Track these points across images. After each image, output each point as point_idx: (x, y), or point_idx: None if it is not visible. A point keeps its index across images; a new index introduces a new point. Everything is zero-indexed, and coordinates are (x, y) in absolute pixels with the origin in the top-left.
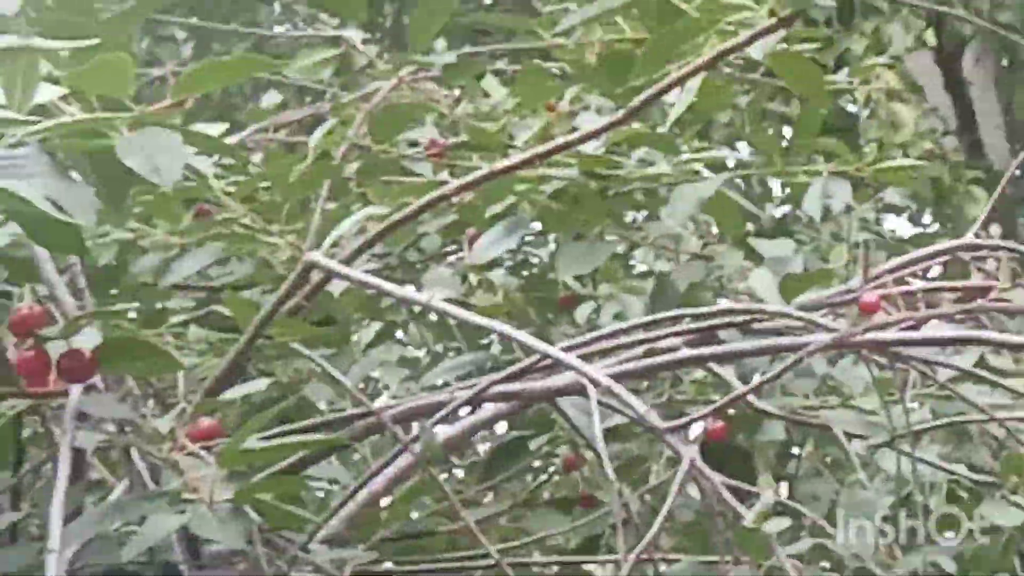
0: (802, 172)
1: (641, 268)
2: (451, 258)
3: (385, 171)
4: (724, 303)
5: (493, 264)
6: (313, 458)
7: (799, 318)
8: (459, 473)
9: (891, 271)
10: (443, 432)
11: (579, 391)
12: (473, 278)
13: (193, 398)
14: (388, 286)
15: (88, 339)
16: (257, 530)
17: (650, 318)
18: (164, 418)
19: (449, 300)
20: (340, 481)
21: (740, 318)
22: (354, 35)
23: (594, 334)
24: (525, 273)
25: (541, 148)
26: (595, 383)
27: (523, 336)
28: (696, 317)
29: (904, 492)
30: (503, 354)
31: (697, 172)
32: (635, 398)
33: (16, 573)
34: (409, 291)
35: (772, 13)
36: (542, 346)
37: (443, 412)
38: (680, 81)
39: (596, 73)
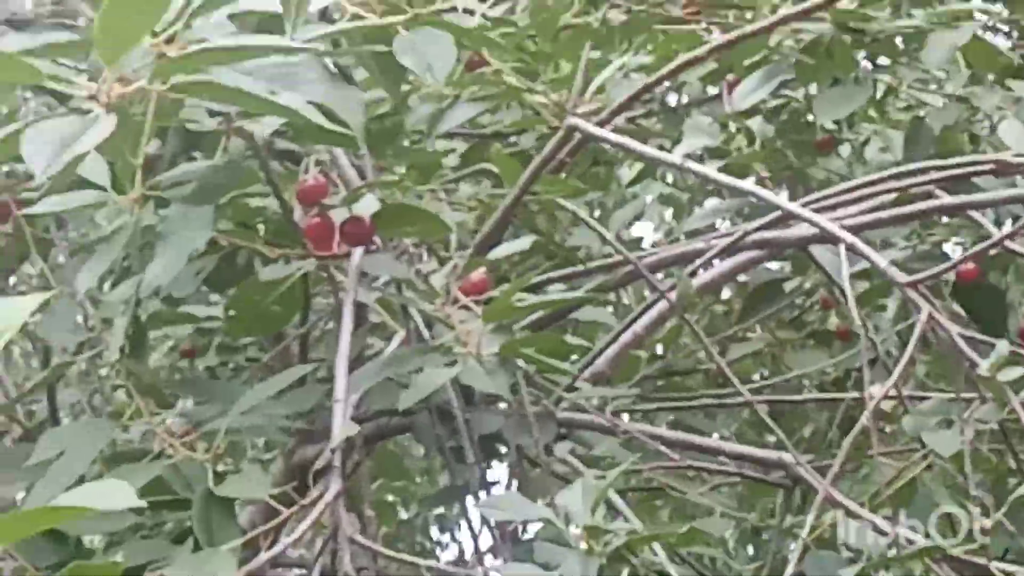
0: None
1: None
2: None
3: (650, 22)
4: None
5: (752, 111)
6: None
7: None
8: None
9: None
10: (700, 277)
11: (831, 239)
12: (732, 126)
13: (464, 254)
14: (642, 148)
15: (367, 206)
16: (523, 377)
17: (897, 169)
18: (437, 273)
19: (708, 149)
20: (605, 323)
21: (986, 167)
22: None
23: (843, 185)
24: (783, 118)
25: (796, 8)
26: (834, 240)
27: (767, 194)
28: (941, 168)
29: None
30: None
31: (952, 22)
32: (875, 253)
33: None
34: (662, 153)
35: None
36: (785, 203)
37: (699, 262)
38: None
39: None
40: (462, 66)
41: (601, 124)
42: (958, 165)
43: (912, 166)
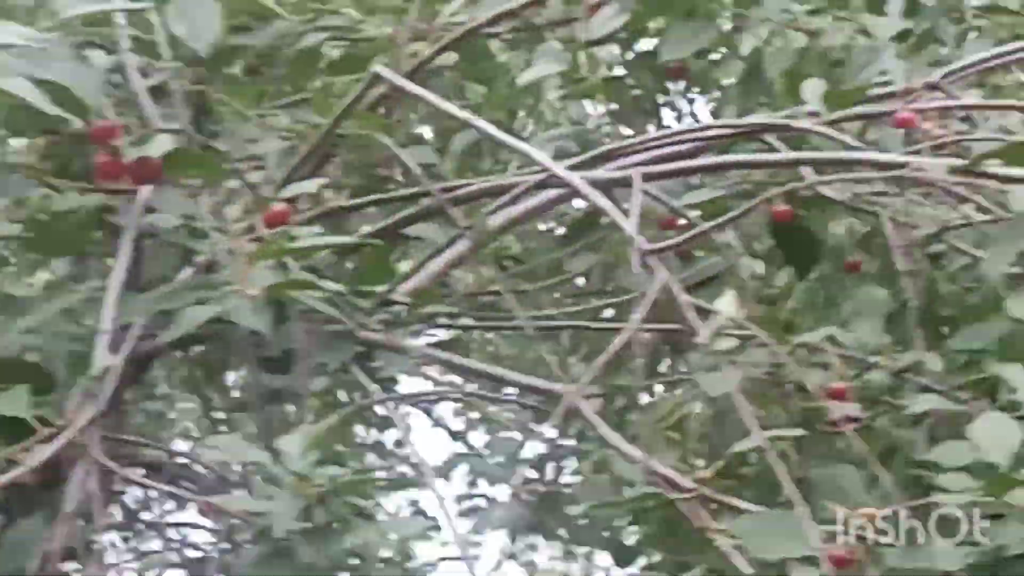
0: None
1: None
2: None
3: None
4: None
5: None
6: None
7: (820, 134)
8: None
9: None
10: (508, 212)
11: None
12: (583, 56)
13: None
14: (439, 102)
15: (158, 147)
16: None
17: (703, 125)
18: (233, 206)
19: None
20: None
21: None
22: None
23: (654, 135)
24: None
25: None
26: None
27: (532, 151)
28: (737, 128)
29: None
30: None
31: None
32: (624, 219)
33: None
34: (455, 108)
35: None
36: (547, 163)
37: (504, 199)
38: None
39: None
40: None
41: (417, 68)
42: (750, 127)
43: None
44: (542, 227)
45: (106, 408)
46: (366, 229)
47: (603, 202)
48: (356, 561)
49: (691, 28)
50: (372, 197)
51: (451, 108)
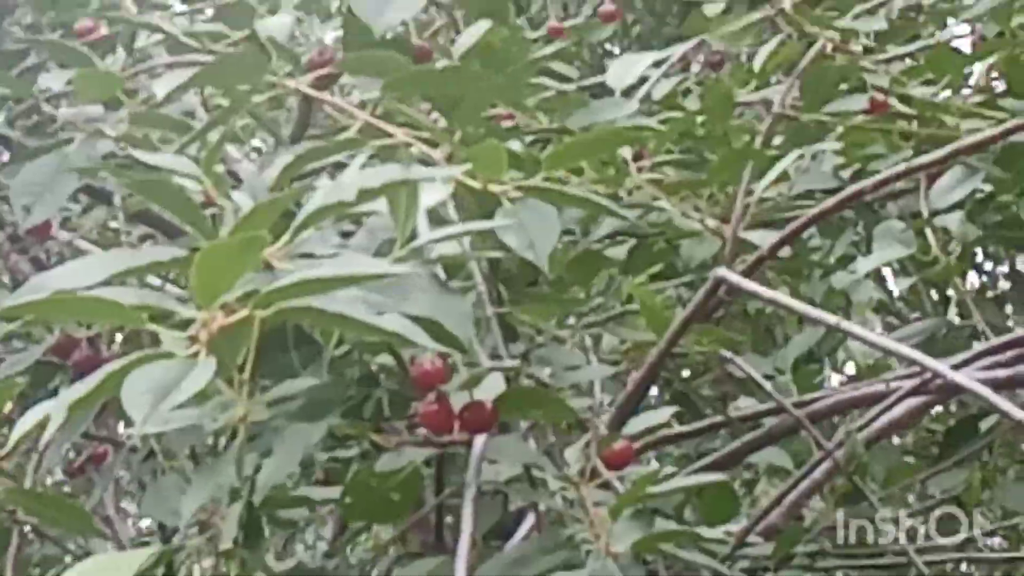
0: None
1: None
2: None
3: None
4: None
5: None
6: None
7: None
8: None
9: None
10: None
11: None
12: (930, 235)
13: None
14: (797, 306)
15: (490, 388)
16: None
17: None
18: (571, 447)
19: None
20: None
21: None
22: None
23: None
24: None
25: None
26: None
27: (925, 358)
28: None
29: None
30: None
31: None
32: None
33: None
34: (819, 312)
35: None
36: (941, 368)
37: (876, 410)
38: None
39: None
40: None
41: (753, 268)
42: None
43: None
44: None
45: None
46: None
47: (1006, 406)
48: None
49: None
50: (714, 419)
51: (814, 312)
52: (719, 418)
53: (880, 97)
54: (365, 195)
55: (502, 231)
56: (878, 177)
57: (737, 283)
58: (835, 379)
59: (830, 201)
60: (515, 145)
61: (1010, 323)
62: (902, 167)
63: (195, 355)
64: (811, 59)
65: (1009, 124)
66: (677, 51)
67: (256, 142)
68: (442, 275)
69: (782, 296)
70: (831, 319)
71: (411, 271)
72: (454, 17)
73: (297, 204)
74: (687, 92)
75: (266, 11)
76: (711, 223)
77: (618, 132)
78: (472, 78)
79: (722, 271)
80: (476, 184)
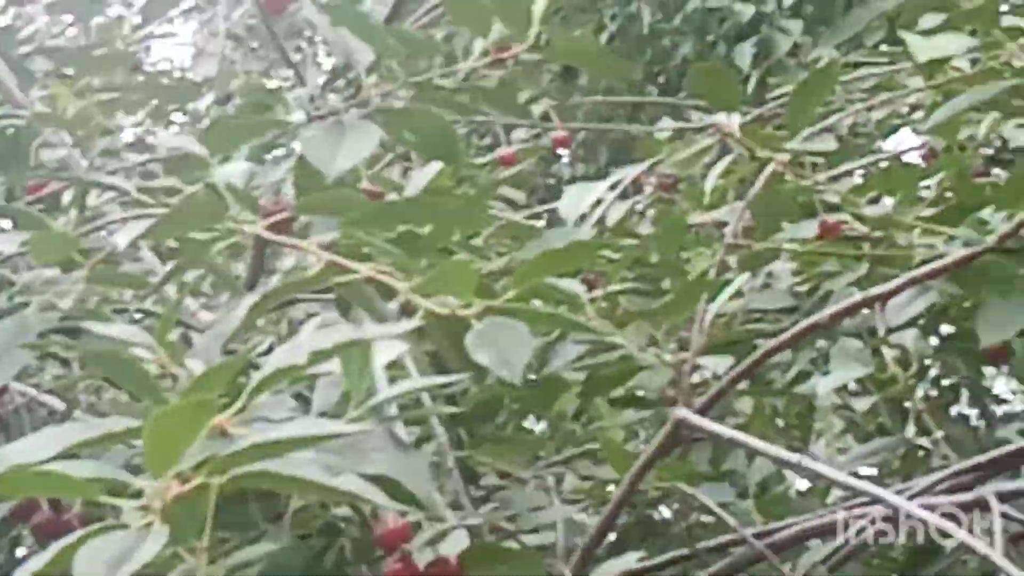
0: None
1: None
2: None
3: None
4: None
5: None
6: None
7: None
8: None
9: None
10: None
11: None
12: (887, 353)
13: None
14: (757, 444)
15: (455, 544)
16: None
17: None
18: None
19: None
20: None
21: None
22: (731, 121)
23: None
24: (944, 330)
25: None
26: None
27: (881, 491)
28: None
29: None
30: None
31: None
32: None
33: None
34: (778, 450)
35: None
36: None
37: (840, 540)
38: None
39: None
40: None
41: (711, 403)
42: None
43: None
44: None
45: None
46: None
47: (962, 534)
48: None
49: (1012, 305)
50: (674, 553)
51: (773, 450)
52: (685, 551)
53: (831, 220)
54: (317, 357)
55: (474, 352)
56: (833, 309)
57: (697, 424)
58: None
59: (785, 335)
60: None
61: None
62: (857, 297)
63: (149, 525)
64: (762, 183)
65: (963, 253)
66: (629, 174)
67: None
68: (402, 429)
69: (742, 435)
70: (792, 457)
71: (367, 430)
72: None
73: (252, 366)
74: (642, 215)
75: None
76: (667, 357)
77: (586, 245)
78: (431, 208)
79: (681, 412)
80: (444, 310)
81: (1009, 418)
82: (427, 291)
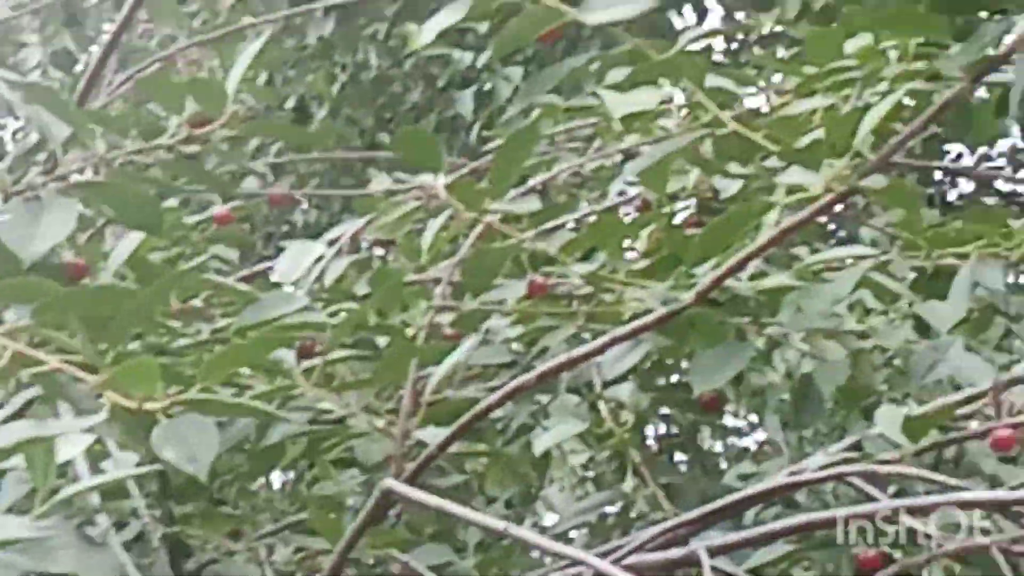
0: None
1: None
2: None
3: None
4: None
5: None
6: None
7: (916, 478)
8: None
9: None
10: None
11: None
12: (604, 407)
13: None
14: (466, 514)
15: None
16: None
17: (768, 487)
18: None
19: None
20: None
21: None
22: (437, 183)
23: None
24: (661, 382)
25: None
26: None
27: (582, 555)
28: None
29: None
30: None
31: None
32: None
33: None
34: (484, 517)
35: (828, 188)
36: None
37: None
38: (747, 259)
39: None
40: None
41: (422, 467)
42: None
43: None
44: None
45: None
46: None
47: None
48: None
49: (722, 354)
50: None
51: (479, 518)
52: None
53: (539, 280)
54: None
55: (160, 449)
56: (539, 371)
57: (404, 494)
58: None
59: (493, 397)
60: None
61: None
62: (562, 359)
63: None
64: (472, 241)
65: (665, 310)
66: (347, 232)
67: None
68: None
69: (448, 504)
70: (498, 525)
71: (53, 527)
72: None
73: None
74: (364, 269)
75: None
76: (379, 423)
77: (271, 342)
78: (120, 297)
79: (388, 483)
80: (131, 404)
81: (741, 456)
82: (112, 387)
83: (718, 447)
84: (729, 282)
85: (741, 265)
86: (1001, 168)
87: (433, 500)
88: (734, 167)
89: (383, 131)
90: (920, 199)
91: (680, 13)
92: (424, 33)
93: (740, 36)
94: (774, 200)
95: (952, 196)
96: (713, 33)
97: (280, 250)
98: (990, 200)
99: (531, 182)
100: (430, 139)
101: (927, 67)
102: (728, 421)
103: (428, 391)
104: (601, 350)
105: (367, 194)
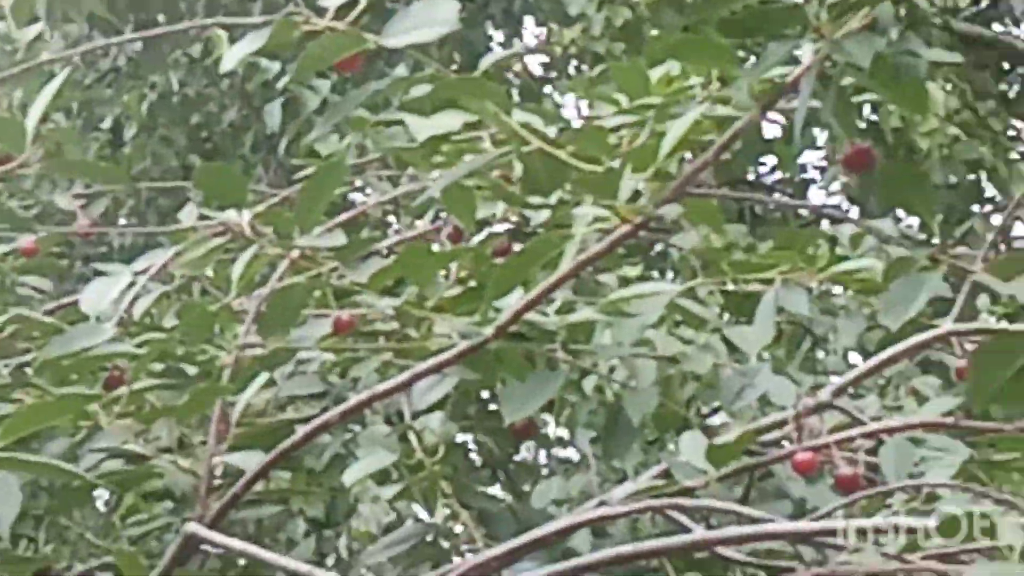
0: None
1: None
2: None
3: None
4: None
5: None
6: None
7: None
8: None
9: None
10: None
11: None
12: (413, 437)
13: None
14: (271, 558)
15: None
16: None
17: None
18: None
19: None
20: None
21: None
22: (243, 219)
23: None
24: (471, 410)
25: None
26: None
27: None
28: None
29: None
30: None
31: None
32: None
33: None
34: (291, 561)
35: (624, 219)
36: None
37: None
38: (546, 292)
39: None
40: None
41: (229, 506)
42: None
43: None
44: None
45: None
46: None
47: None
48: None
49: (532, 383)
50: None
51: (284, 561)
52: None
53: (345, 317)
54: None
55: None
56: (343, 407)
57: (208, 538)
58: None
59: (298, 435)
60: None
61: None
62: (366, 395)
63: None
64: (278, 276)
65: (466, 344)
66: (155, 264)
67: None
68: None
69: (252, 548)
70: (302, 568)
71: None
72: None
73: None
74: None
75: None
76: (183, 463)
77: (76, 398)
78: None
79: (192, 527)
80: None
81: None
82: None
83: (542, 457)
84: (535, 316)
85: (539, 299)
86: (814, 181)
87: (237, 544)
88: (537, 200)
89: (198, 151)
90: (724, 216)
91: (496, 27)
92: (226, 60)
93: (558, 50)
94: (572, 233)
95: (760, 209)
96: (514, 56)
97: (98, 273)
98: (803, 211)
99: (342, 216)
100: (233, 174)
101: (726, 95)
102: (551, 430)
103: (236, 415)
104: (407, 384)
105: (174, 230)
